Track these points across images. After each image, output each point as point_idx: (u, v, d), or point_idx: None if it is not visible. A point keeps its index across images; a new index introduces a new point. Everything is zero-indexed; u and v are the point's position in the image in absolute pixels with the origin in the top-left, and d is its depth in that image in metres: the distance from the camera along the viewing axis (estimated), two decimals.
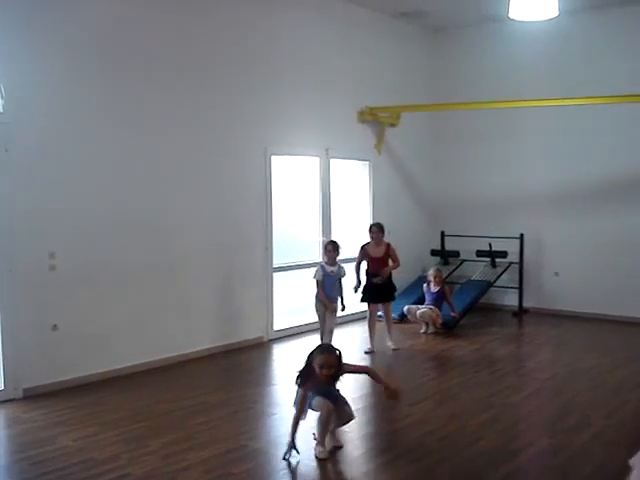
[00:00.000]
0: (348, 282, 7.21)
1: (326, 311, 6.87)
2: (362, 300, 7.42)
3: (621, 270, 8.87)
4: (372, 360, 7.04)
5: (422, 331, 8.29)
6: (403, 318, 8.72)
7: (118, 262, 6.35)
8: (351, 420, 4.62)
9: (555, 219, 9.42)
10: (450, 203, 10.33)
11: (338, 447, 4.54)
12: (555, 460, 4.36)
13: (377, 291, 7.31)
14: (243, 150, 7.53)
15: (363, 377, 5.19)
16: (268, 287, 7.88)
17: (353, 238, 8.31)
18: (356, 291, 7.38)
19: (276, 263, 7.96)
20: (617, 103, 8.00)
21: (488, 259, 9.65)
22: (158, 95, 6.67)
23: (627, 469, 3.05)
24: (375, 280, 7.25)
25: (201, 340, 7.11)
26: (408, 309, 8.53)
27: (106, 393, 5.82)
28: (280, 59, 7.92)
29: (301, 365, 4.52)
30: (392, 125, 9.46)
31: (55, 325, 5.89)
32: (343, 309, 7.03)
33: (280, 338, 7.90)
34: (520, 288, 9.43)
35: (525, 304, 9.49)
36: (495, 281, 9.40)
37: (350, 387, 5.38)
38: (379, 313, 7.55)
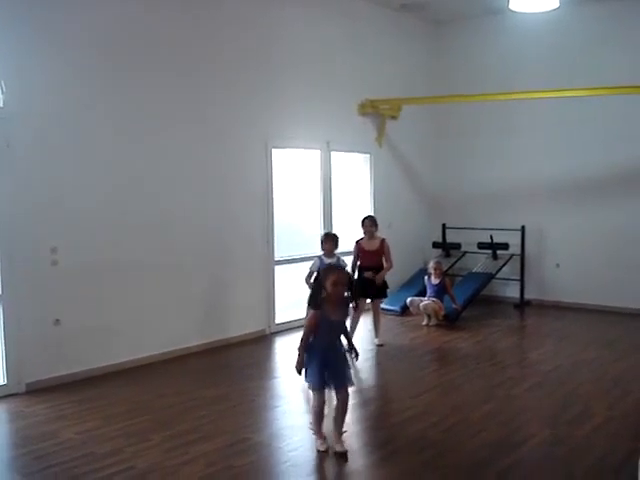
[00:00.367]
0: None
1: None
2: None
3: (623, 261, 8.87)
4: (371, 354, 7.05)
5: (424, 323, 8.29)
6: (405, 310, 8.75)
7: (120, 256, 6.35)
8: (347, 400, 4.37)
9: (556, 211, 9.41)
10: (451, 195, 10.32)
11: (342, 453, 4.28)
12: (557, 452, 4.36)
13: (367, 286, 7.04)
14: (244, 144, 7.51)
15: (361, 371, 5.12)
16: (270, 280, 7.89)
17: (354, 230, 8.29)
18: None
19: (277, 256, 7.96)
20: (618, 94, 7.97)
21: (489, 251, 9.66)
22: (158, 89, 6.65)
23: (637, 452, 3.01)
24: (366, 274, 7.11)
25: (203, 334, 7.12)
26: (411, 301, 8.53)
27: (109, 387, 5.83)
28: (280, 52, 7.90)
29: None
30: (393, 117, 9.44)
31: (57, 320, 5.90)
32: None
33: (282, 331, 7.91)
34: (521, 280, 9.44)
35: (527, 296, 9.49)
36: (497, 273, 9.40)
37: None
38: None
